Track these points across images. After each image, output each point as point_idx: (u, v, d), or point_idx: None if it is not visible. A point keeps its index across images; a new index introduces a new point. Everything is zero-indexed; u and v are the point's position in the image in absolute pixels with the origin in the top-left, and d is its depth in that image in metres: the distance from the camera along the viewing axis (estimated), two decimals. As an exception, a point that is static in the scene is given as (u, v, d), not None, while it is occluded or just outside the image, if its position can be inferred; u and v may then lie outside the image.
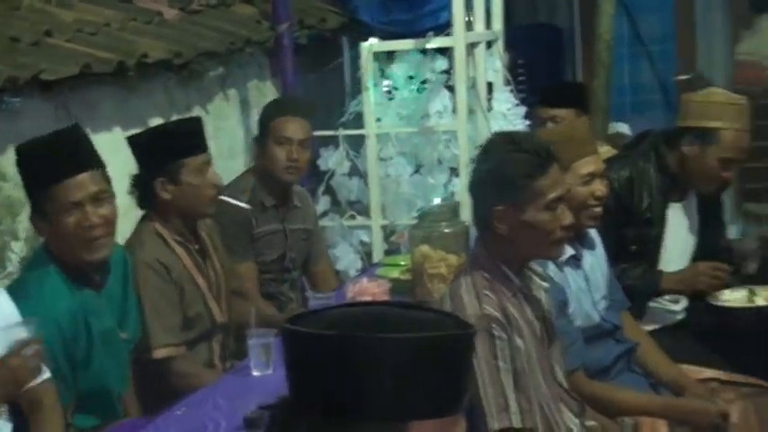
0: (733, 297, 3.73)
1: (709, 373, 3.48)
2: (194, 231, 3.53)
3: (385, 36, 5.21)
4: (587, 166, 3.17)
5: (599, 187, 3.19)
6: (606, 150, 4.71)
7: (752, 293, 3.74)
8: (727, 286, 3.75)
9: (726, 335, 3.75)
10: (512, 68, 6.31)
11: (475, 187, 2.72)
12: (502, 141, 2.71)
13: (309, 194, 4.60)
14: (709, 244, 4.02)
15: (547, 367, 2.75)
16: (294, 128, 4.12)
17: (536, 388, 2.66)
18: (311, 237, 4.33)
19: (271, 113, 4.20)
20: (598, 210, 3.24)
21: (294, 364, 1.45)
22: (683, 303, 3.97)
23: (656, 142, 3.92)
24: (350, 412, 1.39)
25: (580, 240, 3.31)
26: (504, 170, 2.62)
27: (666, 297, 3.92)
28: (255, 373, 3.11)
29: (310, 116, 4.29)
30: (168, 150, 3.44)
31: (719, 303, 3.71)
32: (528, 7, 7.48)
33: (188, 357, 3.43)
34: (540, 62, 7.00)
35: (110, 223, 3.00)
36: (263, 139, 4.16)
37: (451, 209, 3.71)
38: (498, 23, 5.20)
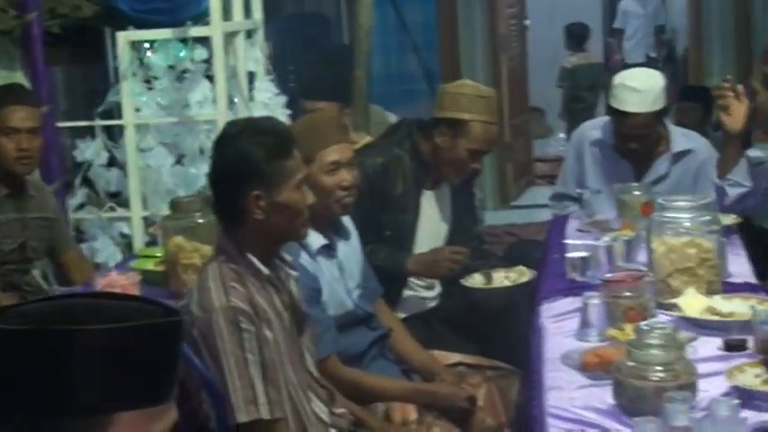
0: (479, 278, 3.83)
1: (456, 357, 3.56)
2: None
3: (145, 25, 5.09)
4: (332, 154, 3.18)
5: (345, 177, 3.21)
6: (366, 140, 4.76)
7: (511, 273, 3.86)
8: (472, 270, 3.83)
9: (474, 319, 3.87)
10: (278, 58, 6.30)
11: (220, 178, 2.70)
12: (239, 129, 2.70)
13: (62, 185, 4.45)
14: (461, 231, 4.11)
15: (297, 357, 2.75)
16: (21, 117, 3.93)
17: (285, 378, 2.66)
18: (53, 225, 4.18)
19: None
20: (348, 199, 3.26)
21: None
22: (437, 290, 4.06)
23: (411, 131, 3.98)
24: (49, 408, 1.36)
25: (334, 230, 3.32)
26: (252, 155, 2.61)
27: (420, 284, 4.00)
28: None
29: (37, 103, 4.12)
30: None
31: (467, 284, 3.80)
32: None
33: None
34: (309, 51, 6.99)
35: None
36: None
37: (204, 199, 3.66)
38: (258, 13, 5.18)
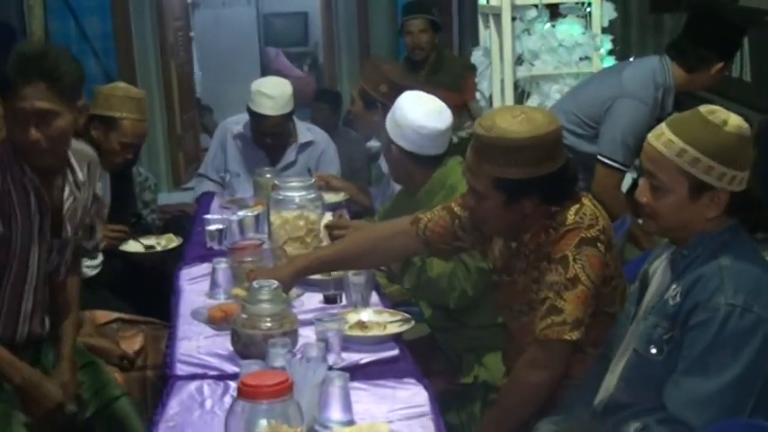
0: (141, 243, 3.82)
1: (115, 315, 3.45)
2: None
3: None
4: None
5: None
6: None
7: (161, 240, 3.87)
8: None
9: (133, 280, 3.80)
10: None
11: None
12: None
13: None
14: (121, 210, 3.99)
15: None
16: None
17: None
18: None
19: None
20: None
21: None
22: (100, 258, 3.92)
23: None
24: None
25: None
26: None
27: (83, 252, 3.85)
28: None
29: None
30: None
31: (123, 249, 3.79)
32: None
33: None
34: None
35: None
36: None
37: None
38: (-65, 19, 4.78)
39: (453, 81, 5.39)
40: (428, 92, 5.18)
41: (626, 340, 2.20)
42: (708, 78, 3.71)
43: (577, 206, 2.39)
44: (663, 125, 2.11)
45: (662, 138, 2.07)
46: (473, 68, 5.23)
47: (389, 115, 3.18)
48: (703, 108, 2.08)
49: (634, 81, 3.66)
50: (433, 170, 3.13)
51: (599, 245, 2.33)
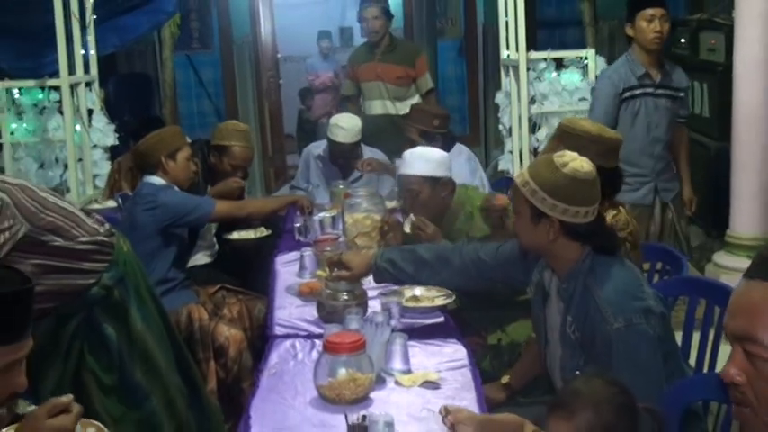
0: (241, 234, 3.79)
1: (218, 285, 3.50)
2: None
3: (17, 77, 4.71)
4: (186, 151, 3.23)
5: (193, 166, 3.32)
6: None
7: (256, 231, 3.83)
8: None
9: (237, 263, 3.81)
10: (117, 100, 5.98)
11: None
12: None
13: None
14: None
15: None
16: None
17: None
18: None
19: None
20: None
21: None
22: (216, 248, 3.95)
23: (202, 147, 3.89)
24: None
25: None
26: None
27: (204, 245, 3.87)
28: None
29: None
30: None
31: (226, 236, 3.78)
32: (128, 61, 7.12)
33: None
34: (137, 97, 6.67)
35: None
36: None
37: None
38: (94, 70, 4.86)
39: (405, 59, 5.24)
40: (386, 67, 5.17)
41: (549, 348, 2.12)
42: (640, 34, 3.66)
43: (615, 212, 2.40)
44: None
45: (520, 171, 1.99)
46: (422, 52, 5.35)
47: (432, 163, 3.02)
48: (557, 153, 1.98)
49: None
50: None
51: (627, 244, 2.34)
